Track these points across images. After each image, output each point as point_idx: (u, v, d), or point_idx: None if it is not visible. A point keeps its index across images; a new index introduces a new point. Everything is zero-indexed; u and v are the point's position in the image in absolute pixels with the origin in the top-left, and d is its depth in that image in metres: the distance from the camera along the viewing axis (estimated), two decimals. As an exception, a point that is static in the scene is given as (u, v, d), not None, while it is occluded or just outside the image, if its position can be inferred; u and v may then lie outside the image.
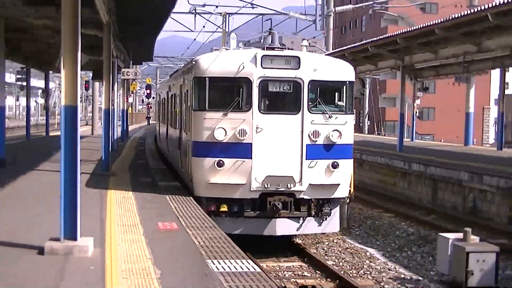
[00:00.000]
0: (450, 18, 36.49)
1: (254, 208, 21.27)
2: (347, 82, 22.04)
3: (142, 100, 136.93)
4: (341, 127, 21.41)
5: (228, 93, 21.70)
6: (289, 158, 21.14)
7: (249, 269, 12.52)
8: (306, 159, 21.10)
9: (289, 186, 20.98)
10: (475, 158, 40.76)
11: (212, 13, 49.61)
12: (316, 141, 21.19)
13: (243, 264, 12.90)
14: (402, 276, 20.48)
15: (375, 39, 47.35)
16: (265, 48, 21.88)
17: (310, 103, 21.31)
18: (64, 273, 11.94)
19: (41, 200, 19.61)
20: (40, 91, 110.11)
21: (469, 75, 48.97)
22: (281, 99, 21.97)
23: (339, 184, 21.64)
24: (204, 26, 56.17)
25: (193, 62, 22.53)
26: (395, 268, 21.75)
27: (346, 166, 21.88)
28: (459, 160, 38.28)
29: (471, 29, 36.89)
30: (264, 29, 48.23)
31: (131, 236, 15.17)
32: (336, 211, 22.30)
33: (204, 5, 47.49)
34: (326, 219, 21.93)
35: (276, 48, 22.13)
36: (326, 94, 22.01)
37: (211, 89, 21.35)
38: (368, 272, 20.99)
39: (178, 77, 29.30)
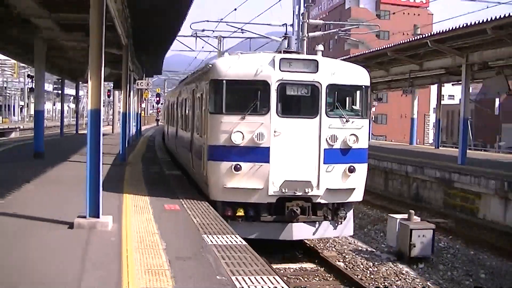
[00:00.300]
0: (399, 43, 37.03)
1: (270, 212, 17.50)
2: (363, 87, 18.27)
3: (153, 105, 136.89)
4: (358, 131, 17.72)
5: (246, 96, 17.71)
6: (307, 163, 17.39)
7: (237, 242, 12.55)
8: (323, 163, 17.39)
9: (306, 191, 17.30)
10: (418, 154, 40.97)
11: (209, 36, 49.44)
12: (333, 145, 17.44)
13: (232, 238, 12.91)
14: (360, 248, 20.51)
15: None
16: (282, 52, 18.64)
17: (327, 107, 17.57)
18: (90, 242, 12.02)
19: (71, 184, 19.53)
20: (72, 97, 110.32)
21: (413, 88, 49.41)
22: (299, 103, 18.11)
23: (354, 189, 17.93)
24: (203, 47, 56.13)
25: (210, 65, 18.77)
26: (354, 242, 21.73)
27: (362, 170, 18.08)
28: (405, 156, 38.40)
29: (415, 52, 37.35)
30: (251, 50, 48.23)
31: (142, 215, 15.15)
32: (350, 215, 18.61)
33: (203, 30, 47.33)
34: (341, 223, 18.25)
35: (292, 52, 19.06)
36: (343, 98, 18.25)
37: (228, 92, 17.38)
38: (333, 246, 20.98)
39: (190, 82, 25.28)
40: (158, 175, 24.31)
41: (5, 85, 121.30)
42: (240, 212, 17.38)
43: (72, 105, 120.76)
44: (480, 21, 27.05)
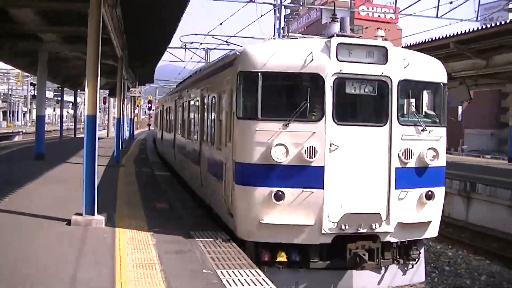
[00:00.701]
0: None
1: (323, 256, 11.89)
2: (441, 84, 12.81)
3: (145, 111, 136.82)
4: (436, 144, 12.34)
5: (290, 95, 12.26)
6: (374, 188, 11.82)
7: (221, 238, 12.42)
8: (395, 188, 11.85)
9: (373, 227, 11.72)
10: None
11: (197, 48, 49.47)
12: (407, 163, 11.95)
13: (217, 234, 12.76)
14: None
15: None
16: (336, 36, 12.14)
17: (399, 111, 12.06)
18: (85, 238, 11.98)
19: (69, 184, 19.38)
20: (70, 104, 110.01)
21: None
22: (362, 105, 12.65)
23: (431, 221, 12.49)
24: (191, 58, 56.59)
25: (237, 54, 12.77)
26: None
27: (440, 196, 12.59)
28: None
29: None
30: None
31: (134, 213, 15.08)
32: (422, 256, 13.02)
33: (192, 43, 47.35)
34: (412, 267, 12.70)
35: (349, 36, 12.59)
36: (417, 99, 12.80)
37: (266, 89, 11.72)
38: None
39: (197, 81, 19.57)
40: (149, 176, 24.25)
41: (10, 93, 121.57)
42: (282, 257, 11.75)
43: (71, 111, 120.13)
44: (444, 36, 27.26)
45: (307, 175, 11.46)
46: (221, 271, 9.75)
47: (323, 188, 11.45)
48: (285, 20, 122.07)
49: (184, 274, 9.58)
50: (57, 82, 51.19)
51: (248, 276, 9.58)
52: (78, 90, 59.54)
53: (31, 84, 78.74)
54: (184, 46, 48.05)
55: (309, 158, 11.34)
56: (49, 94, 76.99)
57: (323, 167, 11.45)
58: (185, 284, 9.07)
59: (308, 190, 11.43)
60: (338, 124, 11.61)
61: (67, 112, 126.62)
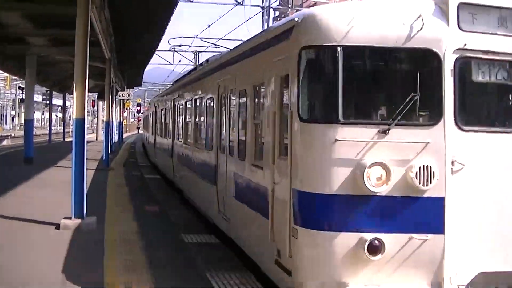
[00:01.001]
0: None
1: None
2: None
3: (134, 114, 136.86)
4: None
5: (387, 84, 7.48)
6: None
7: (212, 242, 12.40)
8: None
9: None
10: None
11: (186, 51, 49.55)
12: None
13: (208, 237, 12.77)
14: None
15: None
16: None
17: None
18: (75, 241, 11.94)
19: (58, 187, 19.28)
20: (59, 107, 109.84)
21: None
22: (494, 101, 8.00)
23: None
24: (180, 60, 56.68)
25: (297, 20, 7.73)
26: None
27: None
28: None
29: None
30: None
31: (124, 215, 15.05)
32: None
33: (180, 45, 47.39)
34: None
35: None
36: None
37: (348, 74, 7.10)
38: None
39: (209, 73, 14.80)
40: (139, 179, 24.24)
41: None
42: None
43: (60, 114, 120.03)
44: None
45: (418, 212, 7.13)
46: (210, 274, 9.66)
47: (443, 233, 7.08)
48: (274, 22, 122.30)
49: (174, 276, 9.50)
50: (46, 86, 51.20)
51: (237, 278, 9.48)
52: (67, 94, 59.57)
53: (19, 88, 78.58)
54: (172, 49, 48.09)
55: (422, 185, 7.02)
56: (38, 97, 76.94)
57: (443, 198, 7.10)
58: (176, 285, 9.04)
59: (420, 236, 7.06)
60: (463, 130, 7.23)
61: (56, 115, 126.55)
